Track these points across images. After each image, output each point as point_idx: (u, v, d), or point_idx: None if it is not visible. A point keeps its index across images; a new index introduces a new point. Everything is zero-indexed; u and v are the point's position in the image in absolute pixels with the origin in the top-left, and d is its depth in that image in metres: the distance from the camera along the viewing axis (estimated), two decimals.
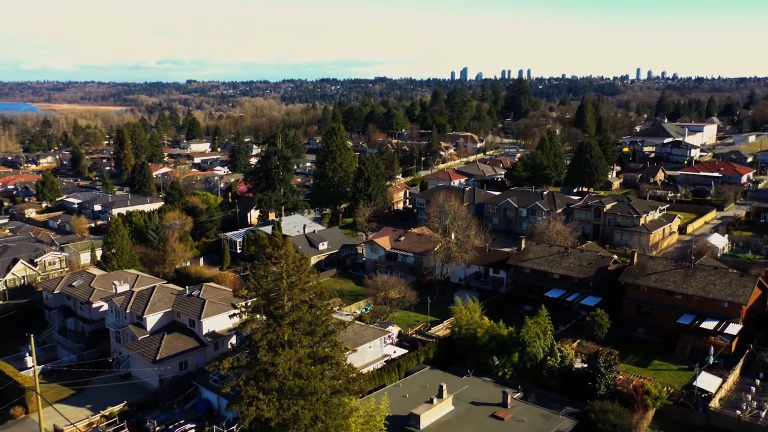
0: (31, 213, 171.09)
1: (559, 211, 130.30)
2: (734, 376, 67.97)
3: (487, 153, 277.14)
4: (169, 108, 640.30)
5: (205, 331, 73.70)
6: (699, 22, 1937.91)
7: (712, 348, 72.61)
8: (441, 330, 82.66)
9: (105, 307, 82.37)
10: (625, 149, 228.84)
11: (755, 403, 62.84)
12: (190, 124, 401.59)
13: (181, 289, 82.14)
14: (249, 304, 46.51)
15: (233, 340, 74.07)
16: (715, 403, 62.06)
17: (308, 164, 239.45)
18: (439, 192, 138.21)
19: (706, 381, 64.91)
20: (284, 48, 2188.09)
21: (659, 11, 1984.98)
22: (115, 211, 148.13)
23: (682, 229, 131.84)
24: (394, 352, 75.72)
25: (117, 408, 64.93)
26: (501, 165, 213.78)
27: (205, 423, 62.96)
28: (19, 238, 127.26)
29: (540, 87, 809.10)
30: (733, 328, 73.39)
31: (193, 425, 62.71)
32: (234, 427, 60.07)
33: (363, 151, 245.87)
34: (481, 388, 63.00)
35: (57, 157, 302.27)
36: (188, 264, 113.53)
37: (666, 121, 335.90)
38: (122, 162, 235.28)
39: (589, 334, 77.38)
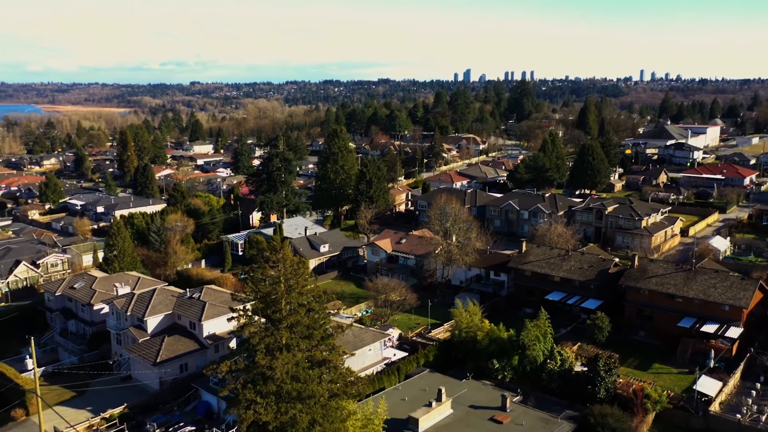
0: (34, 214, 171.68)
1: (561, 213, 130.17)
2: (735, 379, 67.79)
3: (490, 155, 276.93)
4: (173, 110, 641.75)
5: (205, 334, 73.84)
6: (703, 23, 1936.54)
7: (713, 351, 72.40)
8: (441, 333, 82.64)
9: (106, 309, 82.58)
10: (628, 151, 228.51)
11: (755, 407, 62.70)
12: (193, 126, 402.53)
13: (182, 291, 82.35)
14: (247, 307, 46.62)
15: (234, 342, 74.20)
16: (715, 407, 61.91)
17: (311, 166, 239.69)
18: (440, 194, 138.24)
19: (706, 385, 64.76)
20: (288, 50, 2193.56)
21: (663, 13, 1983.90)
22: (117, 213, 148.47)
23: (684, 232, 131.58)
24: (394, 355, 75.75)
25: (117, 410, 65.08)
26: (503, 167, 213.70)
27: (205, 425, 63.07)
28: (22, 240, 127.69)
29: (543, 89, 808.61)
30: (734, 332, 73.22)
31: (193, 428, 62.85)
32: (233, 430, 60.14)
33: (365, 153, 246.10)
34: (481, 392, 62.99)
35: (60, 158, 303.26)
36: (190, 266, 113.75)
37: (669, 123, 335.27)
38: (125, 164, 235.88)
39: (589, 337, 77.29)
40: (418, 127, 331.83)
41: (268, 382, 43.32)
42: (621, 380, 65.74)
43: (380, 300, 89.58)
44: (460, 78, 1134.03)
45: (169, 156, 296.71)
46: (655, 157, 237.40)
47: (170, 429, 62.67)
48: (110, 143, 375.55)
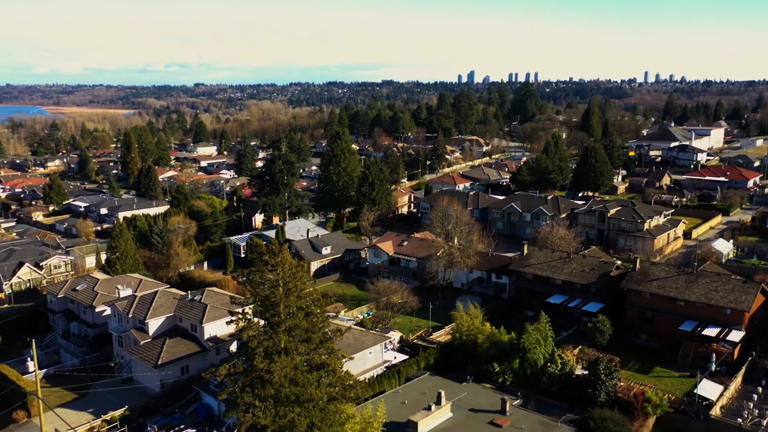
0: (38, 216, 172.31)
1: (563, 215, 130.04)
2: (736, 383, 67.57)
3: (493, 157, 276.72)
4: (177, 111, 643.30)
5: (206, 336, 73.96)
6: (708, 25, 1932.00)
7: (714, 355, 72.19)
8: (442, 336, 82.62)
9: (108, 311, 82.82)
10: (631, 153, 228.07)
11: (757, 411, 62.48)
12: (197, 128, 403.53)
13: (183, 293, 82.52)
14: (245, 311, 46.71)
15: (235, 345, 74.28)
16: (716, 411, 61.69)
17: (314, 168, 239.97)
18: (442, 196, 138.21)
19: (707, 388, 64.56)
20: (292, 52, 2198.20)
21: (668, 14, 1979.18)
22: (121, 215, 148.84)
23: (687, 235, 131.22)
24: (395, 357, 75.70)
25: (118, 412, 65.25)
26: (506, 169, 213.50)
27: (206, 428, 63.20)
28: (26, 242, 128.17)
29: (547, 90, 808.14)
30: (736, 335, 73.01)
31: (194, 430, 62.94)
32: None
33: (368, 154, 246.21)
34: (481, 395, 62.95)
35: (65, 160, 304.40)
36: (192, 268, 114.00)
37: (673, 124, 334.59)
38: (129, 165, 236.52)
39: (590, 340, 77.16)
40: (422, 128, 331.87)
41: (266, 386, 43.40)
42: (622, 384, 65.58)
43: (382, 302, 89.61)
44: (464, 79, 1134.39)
45: (172, 158, 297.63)
46: (659, 159, 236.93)
47: (171, 431, 62.78)
48: (114, 145, 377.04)
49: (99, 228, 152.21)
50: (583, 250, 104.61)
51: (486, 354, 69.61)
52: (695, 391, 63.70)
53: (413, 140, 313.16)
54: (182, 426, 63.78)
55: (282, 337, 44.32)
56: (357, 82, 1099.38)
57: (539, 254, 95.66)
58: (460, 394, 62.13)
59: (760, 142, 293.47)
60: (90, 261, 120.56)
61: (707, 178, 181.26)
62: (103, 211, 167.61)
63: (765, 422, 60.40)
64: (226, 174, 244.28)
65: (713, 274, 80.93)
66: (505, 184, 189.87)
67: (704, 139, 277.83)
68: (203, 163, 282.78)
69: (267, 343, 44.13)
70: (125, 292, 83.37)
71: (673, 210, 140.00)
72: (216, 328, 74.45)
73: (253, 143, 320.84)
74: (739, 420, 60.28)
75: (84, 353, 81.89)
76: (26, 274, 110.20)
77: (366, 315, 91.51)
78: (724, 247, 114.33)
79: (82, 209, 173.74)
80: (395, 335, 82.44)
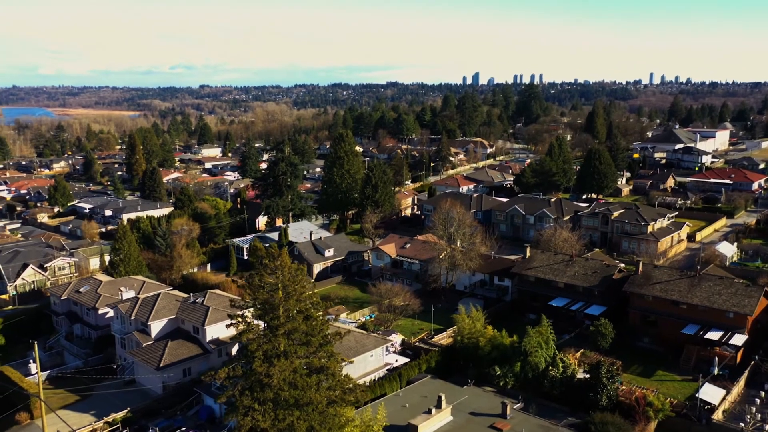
0: (43, 218, 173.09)
1: (567, 218, 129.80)
2: (738, 387, 67.29)
3: (497, 159, 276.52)
4: (182, 113, 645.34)
5: (208, 338, 74.15)
6: (713, 26, 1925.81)
7: (717, 359, 71.90)
8: (444, 338, 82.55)
9: (111, 313, 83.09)
10: (636, 155, 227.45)
11: (759, 415, 62.25)
12: (201, 129, 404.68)
13: (186, 295, 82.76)
14: (245, 314, 46.82)
15: (237, 347, 74.44)
16: (718, 416, 61.48)
17: (318, 170, 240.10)
18: (445, 199, 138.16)
19: (710, 392, 64.29)
20: (297, 54, 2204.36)
21: (673, 16, 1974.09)
22: (125, 217, 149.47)
23: (691, 237, 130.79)
24: (396, 360, 75.67)
25: (120, 414, 65.46)
26: (510, 171, 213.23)
27: (207, 430, 63.34)
28: (30, 243, 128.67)
29: (552, 92, 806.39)
30: (739, 339, 72.75)
31: None
32: None
33: (372, 156, 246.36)
34: (482, 399, 62.86)
35: (70, 162, 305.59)
36: (195, 270, 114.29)
37: (677, 126, 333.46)
38: (133, 167, 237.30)
39: (593, 343, 76.95)
40: (426, 130, 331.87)
41: (265, 389, 43.49)
42: (623, 387, 65.44)
43: (384, 305, 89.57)
44: (469, 81, 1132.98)
45: (177, 159, 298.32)
46: (664, 161, 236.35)
47: None
48: (120, 146, 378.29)
49: (103, 230, 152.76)
50: (586, 253, 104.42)
51: (488, 357, 69.56)
52: (697, 395, 63.45)
53: (417, 142, 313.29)
54: (184, 428, 63.91)
55: (281, 341, 44.41)
56: (362, 83, 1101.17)
57: (542, 257, 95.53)
58: (461, 397, 62.09)
59: (765, 144, 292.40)
60: (94, 263, 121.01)
61: (712, 180, 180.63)
62: (108, 212, 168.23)
63: (767, 427, 60.13)
64: (231, 176, 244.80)
65: (716, 278, 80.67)
66: (508, 186, 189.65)
67: (709, 141, 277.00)
68: (207, 165, 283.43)
69: (266, 346, 44.22)
70: (128, 294, 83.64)
71: (677, 212, 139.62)
72: (218, 330, 74.60)
73: (257, 145, 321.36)
74: (742, 424, 60.06)
75: (87, 355, 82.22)
76: (30, 275, 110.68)
77: (368, 318, 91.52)
78: (728, 249, 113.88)
79: (87, 211, 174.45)
80: (397, 338, 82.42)
